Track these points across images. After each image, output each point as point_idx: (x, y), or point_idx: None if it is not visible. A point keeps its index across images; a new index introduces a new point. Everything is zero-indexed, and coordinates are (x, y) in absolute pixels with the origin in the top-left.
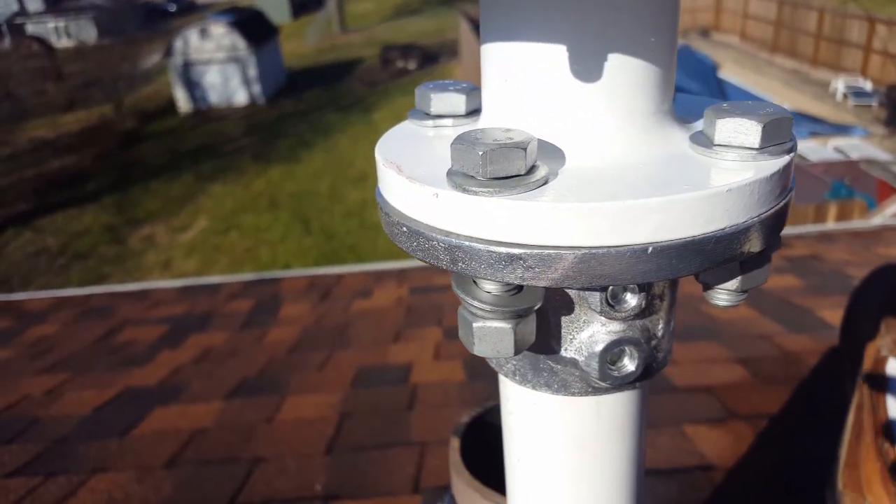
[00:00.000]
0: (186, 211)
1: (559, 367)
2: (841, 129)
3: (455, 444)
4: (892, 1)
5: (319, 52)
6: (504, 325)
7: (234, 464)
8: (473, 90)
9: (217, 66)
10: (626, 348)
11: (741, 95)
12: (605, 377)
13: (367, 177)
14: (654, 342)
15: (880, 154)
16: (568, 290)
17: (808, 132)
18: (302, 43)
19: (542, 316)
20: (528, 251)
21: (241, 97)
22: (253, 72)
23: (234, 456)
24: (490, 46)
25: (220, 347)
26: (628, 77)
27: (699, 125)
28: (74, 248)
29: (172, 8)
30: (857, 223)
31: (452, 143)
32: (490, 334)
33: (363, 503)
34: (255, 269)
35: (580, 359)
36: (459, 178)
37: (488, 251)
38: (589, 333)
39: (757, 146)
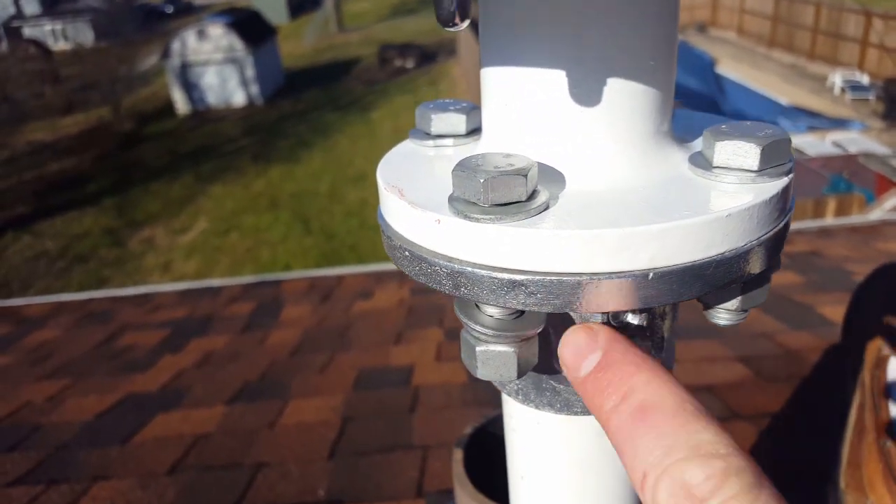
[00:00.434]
0: (186, 212)
1: (562, 386)
2: (839, 123)
3: (458, 455)
4: None
5: (317, 52)
6: (507, 349)
7: (237, 469)
8: (473, 109)
9: (215, 67)
10: None
11: (739, 90)
12: None
13: (367, 176)
14: None
15: (878, 148)
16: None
17: (805, 126)
18: (300, 43)
19: (544, 337)
20: (530, 277)
21: (239, 98)
22: (251, 72)
23: (236, 461)
24: (490, 70)
25: (221, 351)
26: (628, 100)
27: (697, 144)
28: (74, 251)
29: (169, 9)
30: (855, 218)
31: (454, 170)
32: (493, 358)
33: None
34: (255, 270)
35: None
36: (461, 205)
37: (490, 277)
38: None
39: (756, 168)
